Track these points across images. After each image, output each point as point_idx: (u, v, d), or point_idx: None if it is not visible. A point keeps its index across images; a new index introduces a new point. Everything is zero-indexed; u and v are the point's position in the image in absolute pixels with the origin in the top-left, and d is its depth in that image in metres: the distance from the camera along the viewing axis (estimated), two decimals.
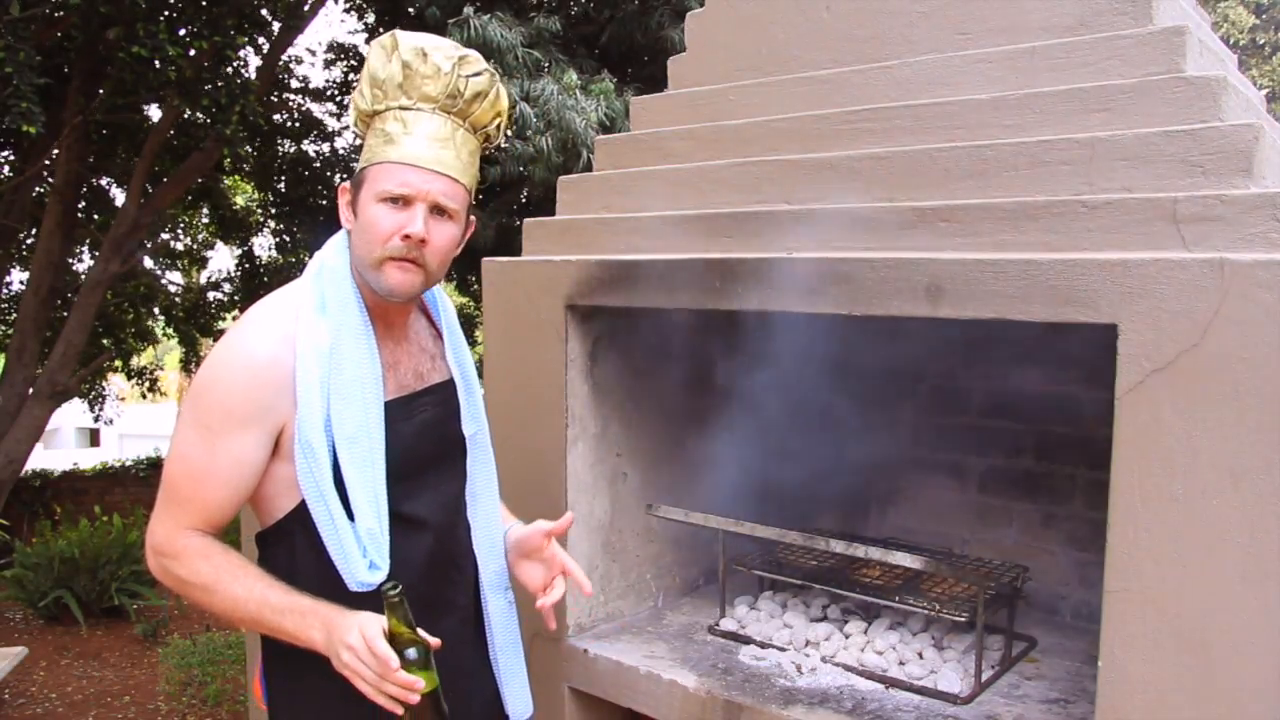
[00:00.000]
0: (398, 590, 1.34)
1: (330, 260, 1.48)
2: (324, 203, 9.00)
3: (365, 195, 1.42)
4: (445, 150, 1.44)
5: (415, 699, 1.31)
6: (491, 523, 1.66)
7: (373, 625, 1.32)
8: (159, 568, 1.44)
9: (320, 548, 1.41)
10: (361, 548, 1.40)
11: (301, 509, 1.42)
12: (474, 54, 1.47)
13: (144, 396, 10.81)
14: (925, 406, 2.63)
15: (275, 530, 1.48)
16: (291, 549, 1.46)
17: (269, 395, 1.38)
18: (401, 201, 1.40)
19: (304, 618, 1.35)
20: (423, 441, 1.53)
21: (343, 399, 1.40)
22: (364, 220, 1.42)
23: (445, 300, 1.66)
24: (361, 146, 1.52)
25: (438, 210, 1.42)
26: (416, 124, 1.42)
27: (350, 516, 1.40)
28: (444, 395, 1.58)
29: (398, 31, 1.44)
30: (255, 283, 9.64)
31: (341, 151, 9.41)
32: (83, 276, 8.21)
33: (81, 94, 6.49)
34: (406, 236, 1.39)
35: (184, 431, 1.42)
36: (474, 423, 1.63)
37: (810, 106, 2.11)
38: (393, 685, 1.30)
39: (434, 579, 1.54)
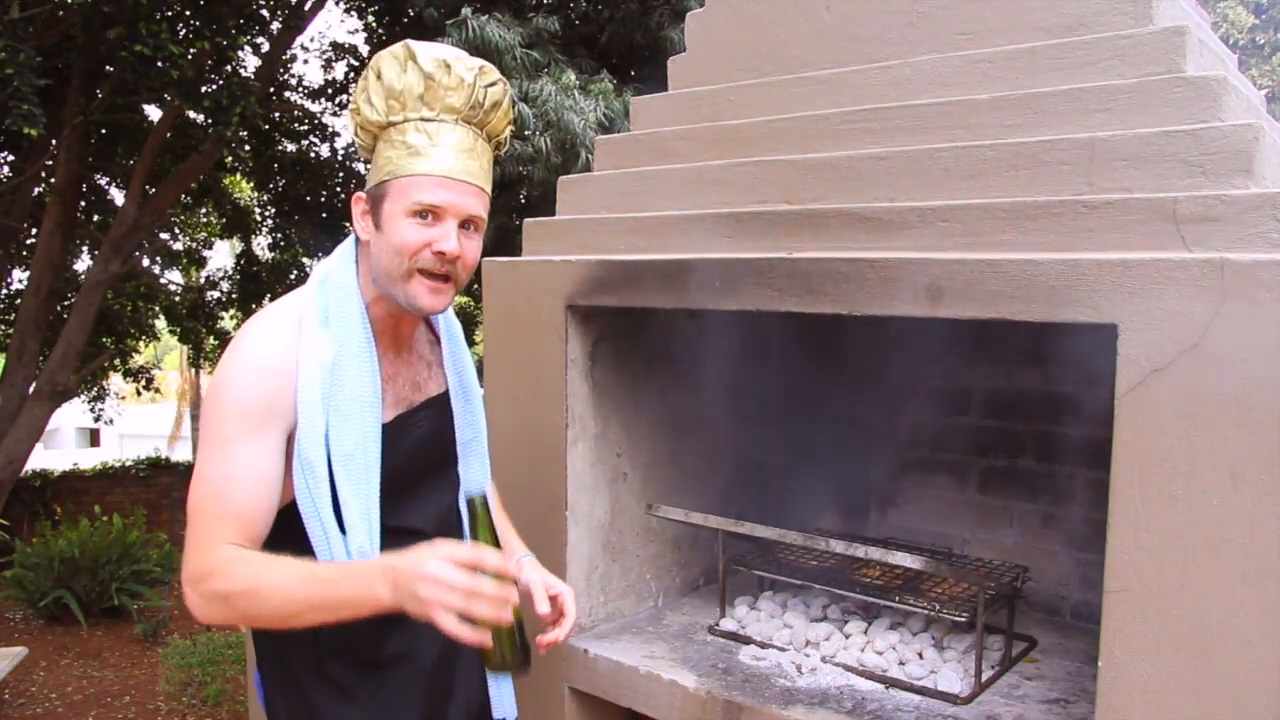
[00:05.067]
0: (484, 499, 1.32)
1: (335, 272, 1.47)
2: (323, 202, 9.00)
3: (392, 209, 1.39)
4: (472, 161, 1.43)
5: (509, 616, 1.23)
6: None
7: (451, 547, 1.23)
8: (198, 601, 1.33)
9: (306, 545, 1.41)
10: None
11: (290, 508, 1.41)
12: (486, 63, 1.47)
13: (139, 394, 10.81)
14: (925, 406, 2.63)
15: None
16: (295, 540, 1.44)
17: (280, 397, 1.37)
18: (432, 216, 1.39)
19: (361, 578, 1.27)
20: (417, 457, 1.52)
21: (341, 416, 1.39)
22: (391, 234, 1.39)
23: None
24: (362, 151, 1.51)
25: (466, 223, 1.42)
26: (441, 135, 1.40)
27: (343, 531, 1.39)
28: (440, 408, 1.58)
29: (410, 42, 1.42)
30: (254, 282, 9.65)
31: (341, 151, 9.41)
32: (83, 276, 8.21)
33: (82, 94, 6.49)
34: (440, 253, 1.38)
35: (202, 454, 1.38)
36: (470, 429, 1.63)
37: (810, 106, 2.11)
38: (485, 604, 1.20)
39: None
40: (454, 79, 1.41)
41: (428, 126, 1.40)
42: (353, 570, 1.31)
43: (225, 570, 1.31)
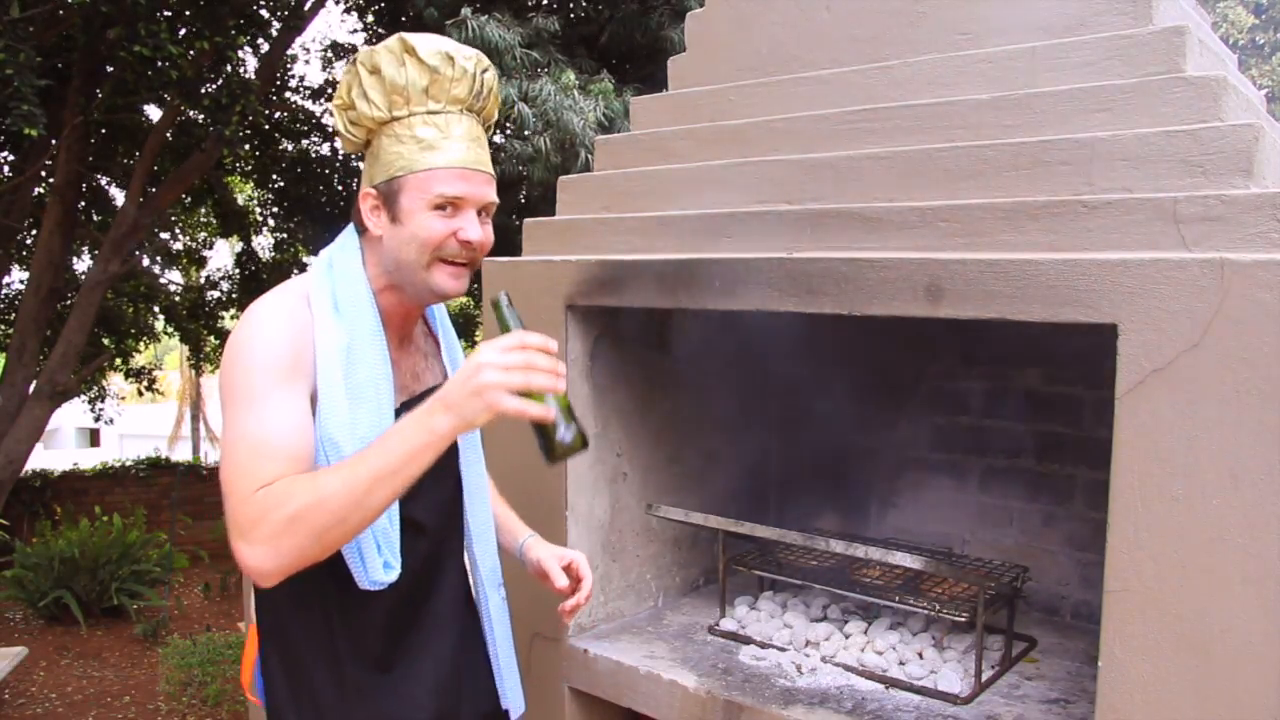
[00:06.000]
0: (508, 296, 1.41)
1: (340, 260, 1.47)
2: (324, 201, 9.00)
3: (411, 203, 1.41)
4: (481, 149, 1.47)
5: (563, 384, 1.30)
6: (485, 520, 1.67)
7: (493, 340, 1.29)
8: (259, 551, 1.24)
9: None
10: (377, 546, 1.40)
11: None
12: (476, 50, 1.49)
13: (140, 395, 10.81)
14: (925, 406, 2.63)
15: None
16: None
17: (303, 357, 1.36)
18: (452, 207, 1.42)
19: (412, 423, 1.27)
20: None
21: (358, 399, 1.40)
22: (414, 227, 1.41)
23: None
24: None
25: (481, 209, 1.46)
26: (450, 127, 1.43)
27: None
28: None
29: (405, 35, 1.42)
30: (255, 281, 9.64)
31: (342, 151, 9.40)
32: (83, 276, 8.21)
33: (81, 94, 6.49)
34: (466, 242, 1.42)
35: (233, 418, 1.31)
36: None
37: (810, 106, 2.11)
38: (542, 374, 1.27)
39: (425, 582, 1.54)
40: (458, 70, 1.43)
41: (435, 119, 1.42)
42: (401, 424, 1.30)
43: (280, 498, 1.24)
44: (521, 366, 1.26)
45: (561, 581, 1.64)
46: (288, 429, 1.31)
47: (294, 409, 1.33)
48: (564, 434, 1.34)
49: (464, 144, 1.44)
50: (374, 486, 1.25)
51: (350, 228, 1.52)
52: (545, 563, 1.66)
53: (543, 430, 1.33)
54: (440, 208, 1.41)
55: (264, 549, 1.24)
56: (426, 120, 1.42)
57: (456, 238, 1.42)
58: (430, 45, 1.42)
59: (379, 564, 1.40)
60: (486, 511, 1.67)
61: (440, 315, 1.67)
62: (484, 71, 1.47)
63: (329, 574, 1.41)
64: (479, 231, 1.44)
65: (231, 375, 1.34)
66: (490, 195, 1.46)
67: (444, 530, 1.59)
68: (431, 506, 1.55)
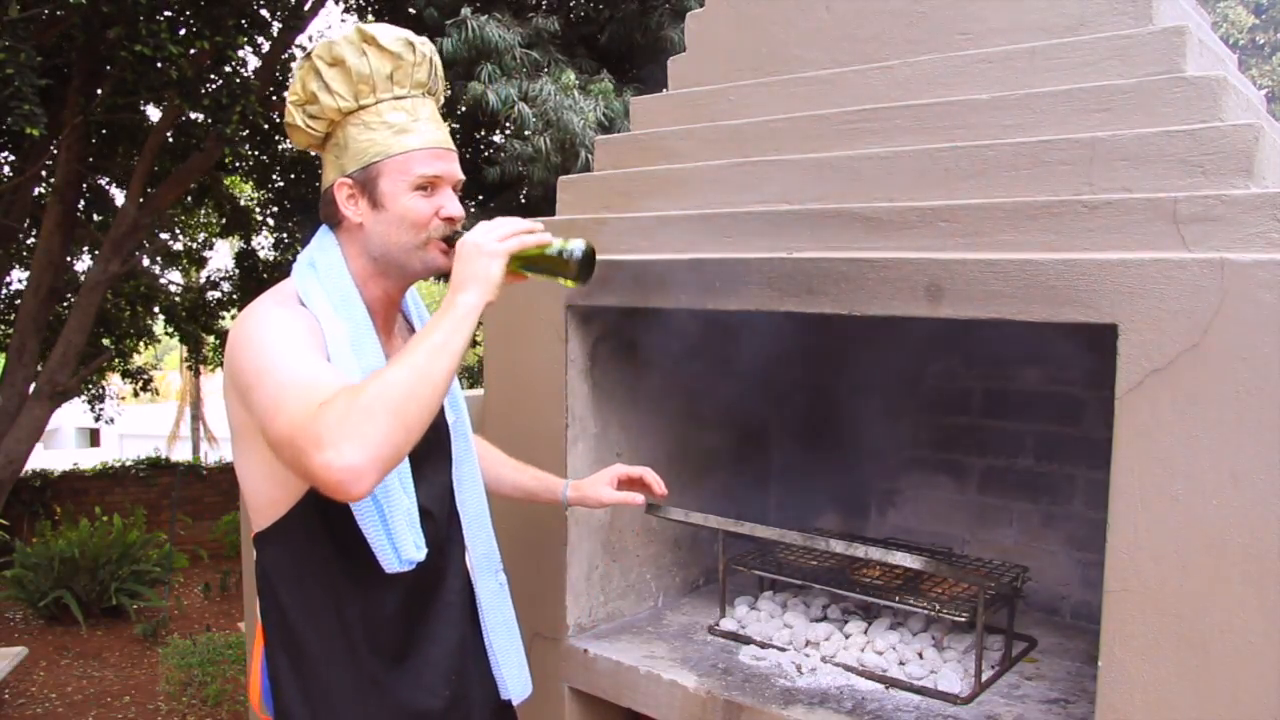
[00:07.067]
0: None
1: (322, 260, 1.48)
2: None
3: (393, 186, 1.44)
4: (444, 129, 1.52)
5: (548, 235, 1.45)
6: (479, 507, 1.68)
7: (475, 230, 1.42)
8: (346, 452, 1.18)
9: (333, 540, 1.41)
10: (405, 525, 1.41)
11: (306, 503, 1.40)
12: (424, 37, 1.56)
13: (137, 395, 10.82)
14: (925, 406, 2.63)
15: (279, 527, 1.44)
16: (310, 539, 1.43)
17: (318, 338, 1.37)
18: (431, 186, 1.46)
19: (442, 310, 1.34)
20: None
21: None
22: (399, 211, 1.44)
23: (412, 289, 1.68)
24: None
25: (454, 186, 1.51)
26: (418, 110, 1.48)
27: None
28: None
29: (362, 26, 1.46)
30: (255, 281, 9.64)
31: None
32: (83, 276, 8.21)
33: (81, 94, 6.49)
34: (449, 219, 1.47)
35: (267, 384, 1.27)
36: (453, 410, 1.65)
37: (810, 106, 2.11)
38: (524, 229, 1.42)
39: (433, 569, 1.55)
40: (419, 55, 1.48)
41: (403, 104, 1.47)
42: (431, 319, 1.36)
43: (348, 396, 1.21)
44: (515, 222, 1.42)
45: (633, 498, 1.86)
46: (329, 370, 1.32)
47: (326, 365, 1.34)
48: (572, 250, 1.45)
49: (433, 125, 1.49)
50: (431, 359, 1.28)
51: (324, 227, 1.53)
52: (601, 497, 1.86)
53: (553, 261, 1.45)
54: (421, 188, 1.45)
55: (351, 444, 1.18)
56: (395, 106, 1.46)
57: (439, 215, 1.46)
58: (389, 33, 1.46)
59: (410, 542, 1.40)
60: (479, 498, 1.68)
61: (415, 301, 1.68)
62: (435, 55, 1.54)
63: (341, 568, 1.42)
64: (459, 207, 1.49)
65: (257, 353, 1.32)
66: (460, 173, 1.52)
67: (445, 517, 1.60)
68: (432, 494, 1.56)
